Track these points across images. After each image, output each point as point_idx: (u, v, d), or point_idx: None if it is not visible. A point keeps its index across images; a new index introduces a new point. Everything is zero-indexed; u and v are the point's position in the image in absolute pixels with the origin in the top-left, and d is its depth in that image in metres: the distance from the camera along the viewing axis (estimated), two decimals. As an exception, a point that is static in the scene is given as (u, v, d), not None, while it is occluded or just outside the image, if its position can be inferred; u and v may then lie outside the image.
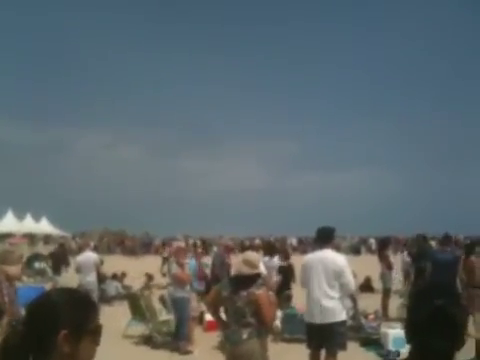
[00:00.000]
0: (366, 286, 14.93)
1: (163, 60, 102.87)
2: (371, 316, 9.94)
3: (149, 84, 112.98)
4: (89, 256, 10.72)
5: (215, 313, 4.84)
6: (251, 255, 4.82)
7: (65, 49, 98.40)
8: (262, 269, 9.24)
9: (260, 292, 4.37)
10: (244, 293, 4.37)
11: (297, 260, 11.44)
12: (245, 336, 4.34)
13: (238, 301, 4.38)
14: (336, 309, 5.55)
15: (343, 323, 5.67)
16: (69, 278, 17.78)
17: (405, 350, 1.81)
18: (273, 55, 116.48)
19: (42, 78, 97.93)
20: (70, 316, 1.46)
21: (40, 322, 1.45)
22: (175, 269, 8.14)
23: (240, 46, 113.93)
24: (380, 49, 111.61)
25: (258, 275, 4.65)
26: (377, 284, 13.41)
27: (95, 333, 1.52)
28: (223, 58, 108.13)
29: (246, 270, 4.53)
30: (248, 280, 4.45)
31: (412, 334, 1.63)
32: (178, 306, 8.08)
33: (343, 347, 5.64)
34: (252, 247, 12.81)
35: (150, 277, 15.39)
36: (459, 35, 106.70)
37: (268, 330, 4.57)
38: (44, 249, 26.09)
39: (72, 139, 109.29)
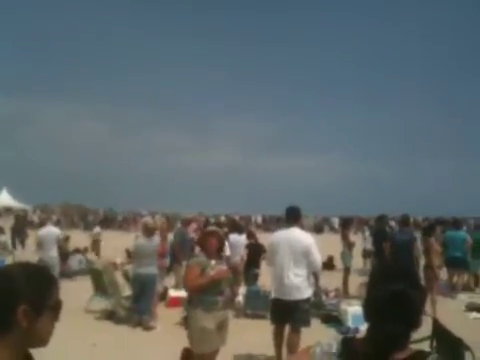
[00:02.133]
0: (328, 264, 15.24)
1: (135, 37, 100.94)
2: (332, 293, 10.17)
3: (121, 59, 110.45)
4: (51, 230, 10.51)
5: None
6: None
7: (33, 20, 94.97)
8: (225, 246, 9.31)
9: (187, 263, 4.91)
10: None
11: (261, 237, 11.55)
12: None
13: None
14: (302, 286, 5.65)
15: (307, 300, 5.78)
16: (28, 252, 17.46)
17: (364, 327, 1.84)
18: (248, 38, 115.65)
19: (7, 48, 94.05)
20: (30, 291, 1.43)
21: None
22: (156, 244, 8.19)
23: (216, 27, 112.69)
24: (359, 32, 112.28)
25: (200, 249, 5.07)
26: (338, 262, 13.69)
27: (55, 309, 1.50)
28: (196, 39, 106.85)
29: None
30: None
31: (369, 315, 1.64)
32: (148, 282, 8.05)
33: (307, 324, 5.76)
34: (217, 224, 12.80)
35: (129, 253, 15.25)
36: (446, 22, 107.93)
37: (203, 302, 4.59)
38: (2, 222, 25.39)
39: (35, 110, 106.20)
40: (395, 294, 1.58)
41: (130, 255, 14.99)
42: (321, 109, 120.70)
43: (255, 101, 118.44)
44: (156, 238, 8.37)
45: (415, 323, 1.60)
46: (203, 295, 4.59)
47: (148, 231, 8.25)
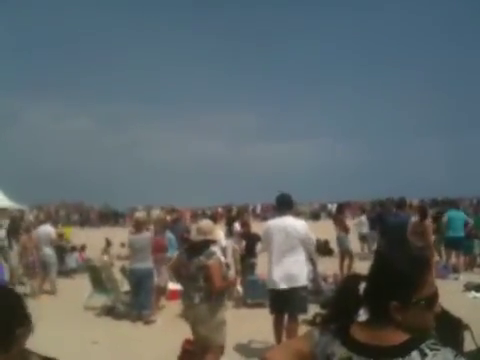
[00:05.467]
0: (324, 249, 15.25)
1: (116, 31, 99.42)
2: (330, 279, 10.19)
3: (103, 53, 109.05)
4: (45, 229, 10.73)
5: (178, 277, 5.25)
6: (202, 223, 5.15)
7: (13, 13, 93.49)
8: (221, 236, 9.28)
9: (211, 262, 4.67)
10: (196, 260, 4.73)
11: (258, 227, 11.51)
12: (197, 300, 4.69)
13: (192, 267, 4.75)
14: (298, 274, 5.64)
15: (304, 288, 5.78)
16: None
17: (362, 311, 1.81)
18: (230, 28, 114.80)
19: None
20: None
21: None
22: (147, 238, 8.19)
23: (197, 22, 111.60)
24: (334, 16, 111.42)
25: (209, 241, 4.95)
26: (336, 247, 13.72)
27: None
28: (179, 30, 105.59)
29: (197, 237, 4.91)
30: (200, 246, 4.82)
31: (364, 297, 1.60)
32: (144, 277, 8.06)
33: (304, 311, 5.77)
34: (213, 216, 12.75)
35: (109, 242, 15.24)
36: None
37: (221, 297, 4.85)
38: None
39: (21, 109, 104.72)
40: (385, 265, 1.57)
41: (109, 244, 15.06)
42: (305, 95, 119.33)
43: (241, 92, 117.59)
44: (147, 232, 8.36)
45: (407, 296, 1.51)
46: (225, 293, 5.03)
47: (138, 226, 8.24)
